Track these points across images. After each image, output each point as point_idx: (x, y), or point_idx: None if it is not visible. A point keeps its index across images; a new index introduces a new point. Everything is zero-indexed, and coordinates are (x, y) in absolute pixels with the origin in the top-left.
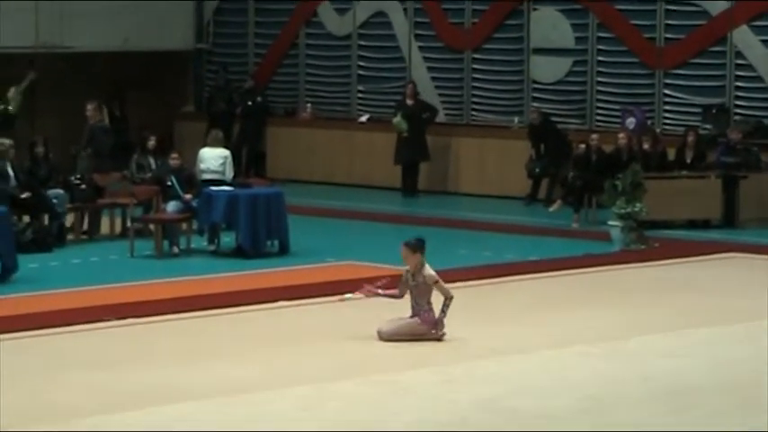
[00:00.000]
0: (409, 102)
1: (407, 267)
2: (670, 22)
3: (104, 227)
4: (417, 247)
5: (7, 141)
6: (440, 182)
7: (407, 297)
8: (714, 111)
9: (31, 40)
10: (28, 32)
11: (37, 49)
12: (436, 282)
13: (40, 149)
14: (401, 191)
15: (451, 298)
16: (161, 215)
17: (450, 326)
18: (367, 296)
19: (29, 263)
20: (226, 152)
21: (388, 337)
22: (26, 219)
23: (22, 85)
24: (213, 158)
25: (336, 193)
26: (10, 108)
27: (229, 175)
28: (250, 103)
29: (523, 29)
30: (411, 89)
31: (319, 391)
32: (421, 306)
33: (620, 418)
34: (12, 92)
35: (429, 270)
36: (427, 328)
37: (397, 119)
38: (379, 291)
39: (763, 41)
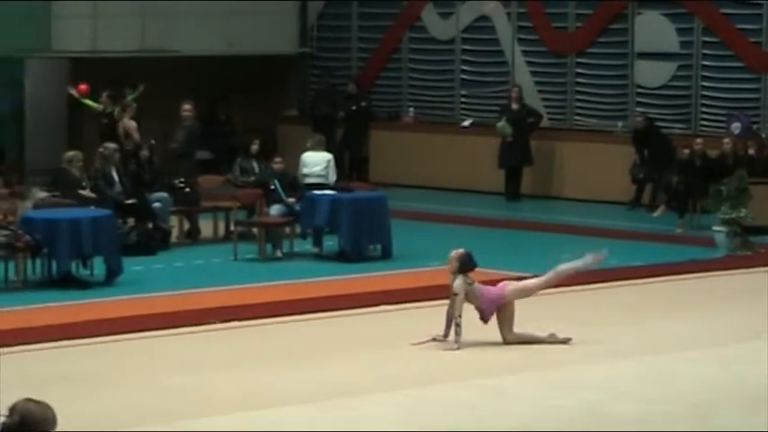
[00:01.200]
0: (514, 106)
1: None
2: None
3: (207, 230)
4: (459, 259)
5: (111, 145)
6: (543, 186)
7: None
8: None
9: (137, 44)
10: (134, 36)
11: (143, 53)
12: (455, 294)
13: (145, 153)
14: (504, 195)
15: (459, 317)
16: (264, 218)
17: (554, 330)
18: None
19: (133, 265)
20: (328, 155)
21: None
22: (131, 221)
23: (130, 96)
24: (316, 162)
25: (439, 197)
26: (115, 112)
27: (332, 178)
28: (354, 107)
29: (628, 33)
30: (516, 93)
31: (419, 396)
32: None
33: (723, 425)
34: (103, 96)
35: (457, 281)
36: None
37: (502, 123)
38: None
39: None
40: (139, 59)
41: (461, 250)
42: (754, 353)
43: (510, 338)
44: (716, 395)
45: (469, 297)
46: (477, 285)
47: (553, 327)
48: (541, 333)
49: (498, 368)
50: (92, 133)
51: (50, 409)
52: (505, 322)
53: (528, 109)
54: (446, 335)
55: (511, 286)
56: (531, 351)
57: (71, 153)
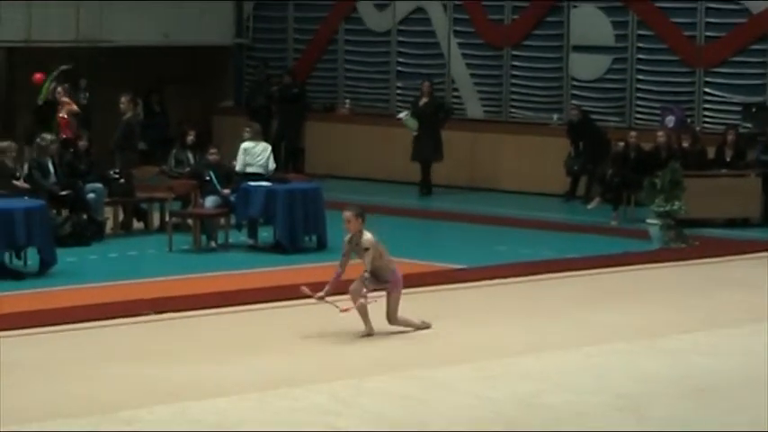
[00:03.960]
0: (423, 100)
1: (348, 236)
2: (710, 20)
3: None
4: (361, 214)
5: (49, 137)
6: (478, 179)
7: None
8: (754, 109)
9: (72, 35)
10: (69, 27)
11: (78, 44)
12: (366, 249)
13: (82, 143)
14: (418, 189)
15: (368, 272)
16: (199, 210)
17: (488, 322)
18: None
19: (67, 256)
20: (268, 146)
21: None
22: (65, 212)
23: (51, 76)
24: (258, 152)
25: (374, 188)
26: (39, 100)
27: (272, 168)
28: (288, 97)
29: (563, 26)
30: (427, 87)
31: (356, 386)
32: (384, 272)
33: (655, 415)
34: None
35: (367, 235)
36: (398, 287)
37: (406, 116)
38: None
39: None
40: (74, 50)
41: (354, 205)
42: (688, 344)
43: (396, 321)
44: (649, 386)
45: (375, 255)
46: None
47: (487, 319)
48: (415, 319)
49: (434, 359)
50: (25, 124)
51: None
52: (394, 304)
53: (438, 103)
54: (328, 293)
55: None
56: (466, 342)
57: (5, 143)
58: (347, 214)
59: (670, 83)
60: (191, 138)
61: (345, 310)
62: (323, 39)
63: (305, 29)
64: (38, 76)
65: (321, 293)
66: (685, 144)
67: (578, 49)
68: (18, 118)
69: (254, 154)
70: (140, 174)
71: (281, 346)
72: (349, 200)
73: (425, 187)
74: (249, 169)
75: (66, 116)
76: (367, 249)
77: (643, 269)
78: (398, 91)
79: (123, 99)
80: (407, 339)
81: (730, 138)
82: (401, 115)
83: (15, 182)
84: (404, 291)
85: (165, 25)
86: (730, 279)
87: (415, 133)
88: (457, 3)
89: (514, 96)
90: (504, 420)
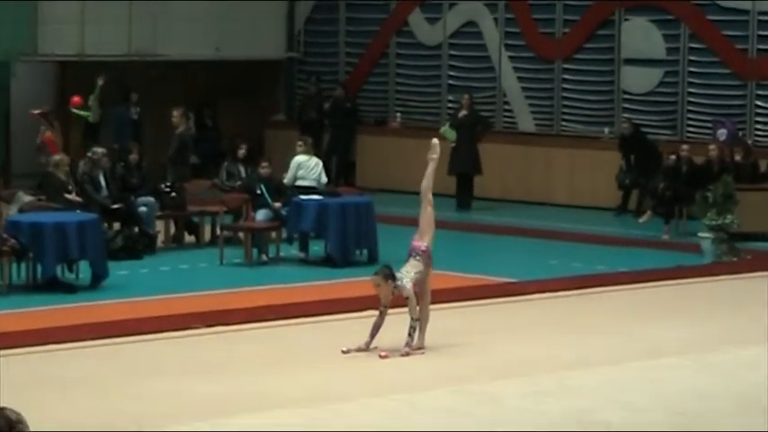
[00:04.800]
0: (462, 112)
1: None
2: (763, 32)
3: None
4: (389, 275)
5: (100, 150)
6: (530, 192)
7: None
8: None
9: (124, 49)
10: (122, 41)
11: (130, 58)
12: (407, 298)
13: (134, 156)
14: (456, 202)
15: (416, 320)
16: (250, 223)
17: (540, 335)
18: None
19: (119, 270)
20: (319, 160)
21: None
22: (117, 226)
23: (95, 92)
24: (311, 166)
25: None
26: (89, 118)
27: (324, 182)
28: (339, 112)
29: (614, 39)
30: (467, 100)
31: (408, 402)
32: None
33: (711, 431)
34: (90, 100)
35: (404, 284)
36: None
37: (445, 128)
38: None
39: None
40: (126, 64)
41: (378, 270)
42: (741, 359)
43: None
44: (702, 402)
45: (417, 287)
46: (410, 271)
47: (539, 333)
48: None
49: (487, 374)
50: (77, 137)
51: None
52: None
53: (476, 117)
54: (369, 344)
55: (425, 235)
56: (519, 357)
57: (57, 157)
58: (375, 279)
59: (722, 96)
60: (242, 151)
61: (385, 357)
62: (374, 52)
63: (356, 42)
64: (75, 99)
65: (363, 346)
66: (737, 157)
67: (630, 62)
68: (71, 132)
69: (308, 167)
70: (192, 187)
71: (333, 361)
72: (401, 213)
73: (464, 201)
74: (303, 183)
75: (50, 134)
76: (407, 298)
77: (695, 283)
78: (449, 105)
79: (175, 113)
80: (459, 354)
81: None
82: (443, 129)
83: (68, 195)
84: (456, 305)
85: (217, 39)
86: None
87: (452, 144)
88: (508, 16)
89: (566, 110)
90: None
